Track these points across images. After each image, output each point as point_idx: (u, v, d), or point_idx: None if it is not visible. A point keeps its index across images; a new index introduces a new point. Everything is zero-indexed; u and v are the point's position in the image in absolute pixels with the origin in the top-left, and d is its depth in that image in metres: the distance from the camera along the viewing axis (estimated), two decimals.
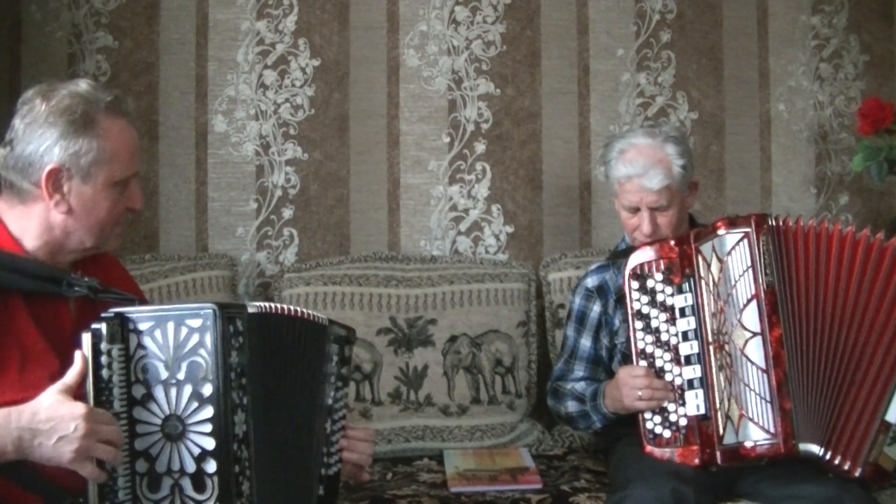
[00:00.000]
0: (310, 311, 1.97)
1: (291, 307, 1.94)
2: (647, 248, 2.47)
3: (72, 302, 1.86)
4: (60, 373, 1.68)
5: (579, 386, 2.66)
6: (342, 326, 2.06)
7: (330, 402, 2.01)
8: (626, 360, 2.49)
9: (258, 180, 3.33)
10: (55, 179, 1.81)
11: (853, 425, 2.26)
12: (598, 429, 2.64)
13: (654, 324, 2.41)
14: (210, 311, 1.70)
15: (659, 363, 2.40)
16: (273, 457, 1.84)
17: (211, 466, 1.68)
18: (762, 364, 2.27)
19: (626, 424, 2.51)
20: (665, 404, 2.38)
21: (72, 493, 1.69)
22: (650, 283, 2.43)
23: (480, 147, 3.39)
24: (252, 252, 3.33)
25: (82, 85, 1.86)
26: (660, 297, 2.41)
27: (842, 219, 3.47)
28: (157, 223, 3.31)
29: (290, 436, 1.91)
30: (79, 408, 1.61)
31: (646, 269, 2.44)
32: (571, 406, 2.65)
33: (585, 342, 2.70)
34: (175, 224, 3.31)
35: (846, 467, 2.24)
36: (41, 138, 1.80)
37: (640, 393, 2.38)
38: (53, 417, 1.61)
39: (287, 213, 3.34)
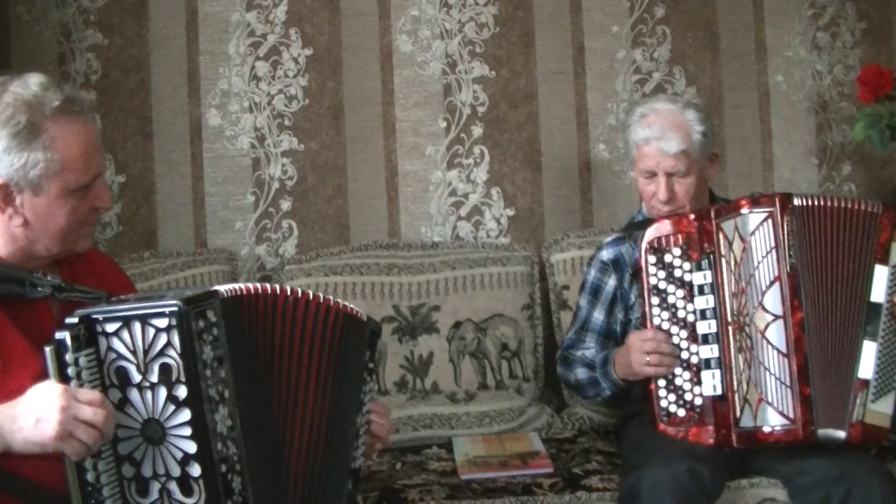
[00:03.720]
0: (342, 301, 1.90)
1: (291, 288, 1.85)
2: (665, 220, 2.43)
3: (54, 302, 1.80)
4: (44, 373, 1.63)
5: (590, 353, 2.64)
6: (370, 319, 1.99)
7: (362, 396, 1.95)
8: None
9: (255, 173, 3.31)
10: (5, 194, 1.74)
11: (840, 392, 2.25)
12: (606, 397, 2.62)
13: (670, 300, 2.38)
14: (175, 308, 1.61)
15: (675, 340, 2.37)
16: (271, 446, 1.78)
17: (195, 470, 1.63)
18: (783, 348, 2.24)
19: (638, 401, 2.50)
20: (679, 383, 2.35)
21: (58, 497, 1.66)
22: (668, 258, 2.39)
23: (478, 130, 3.36)
24: (252, 246, 3.31)
25: (31, 86, 1.76)
26: (677, 273, 2.38)
27: (845, 189, 3.44)
28: (154, 220, 3.29)
29: (303, 421, 1.83)
30: (55, 387, 1.57)
31: (663, 242, 2.40)
32: (581, 373, 2.63)
33: (598, 315, 2.68)
34: (173, 220, 3.29)
35: (836, 435, 2.23)
36: None
37: (647, 358, 2.36)
38: (31, 400, 1.58)
39: (285, 204, 3.31)
